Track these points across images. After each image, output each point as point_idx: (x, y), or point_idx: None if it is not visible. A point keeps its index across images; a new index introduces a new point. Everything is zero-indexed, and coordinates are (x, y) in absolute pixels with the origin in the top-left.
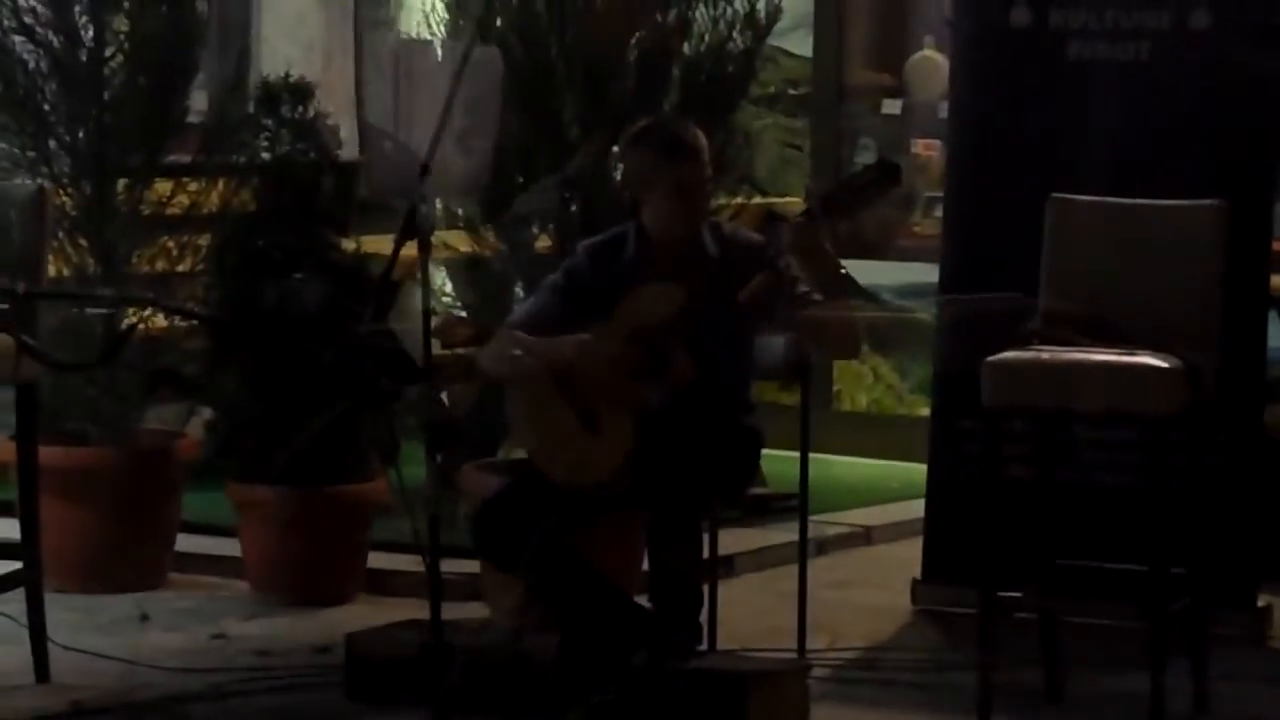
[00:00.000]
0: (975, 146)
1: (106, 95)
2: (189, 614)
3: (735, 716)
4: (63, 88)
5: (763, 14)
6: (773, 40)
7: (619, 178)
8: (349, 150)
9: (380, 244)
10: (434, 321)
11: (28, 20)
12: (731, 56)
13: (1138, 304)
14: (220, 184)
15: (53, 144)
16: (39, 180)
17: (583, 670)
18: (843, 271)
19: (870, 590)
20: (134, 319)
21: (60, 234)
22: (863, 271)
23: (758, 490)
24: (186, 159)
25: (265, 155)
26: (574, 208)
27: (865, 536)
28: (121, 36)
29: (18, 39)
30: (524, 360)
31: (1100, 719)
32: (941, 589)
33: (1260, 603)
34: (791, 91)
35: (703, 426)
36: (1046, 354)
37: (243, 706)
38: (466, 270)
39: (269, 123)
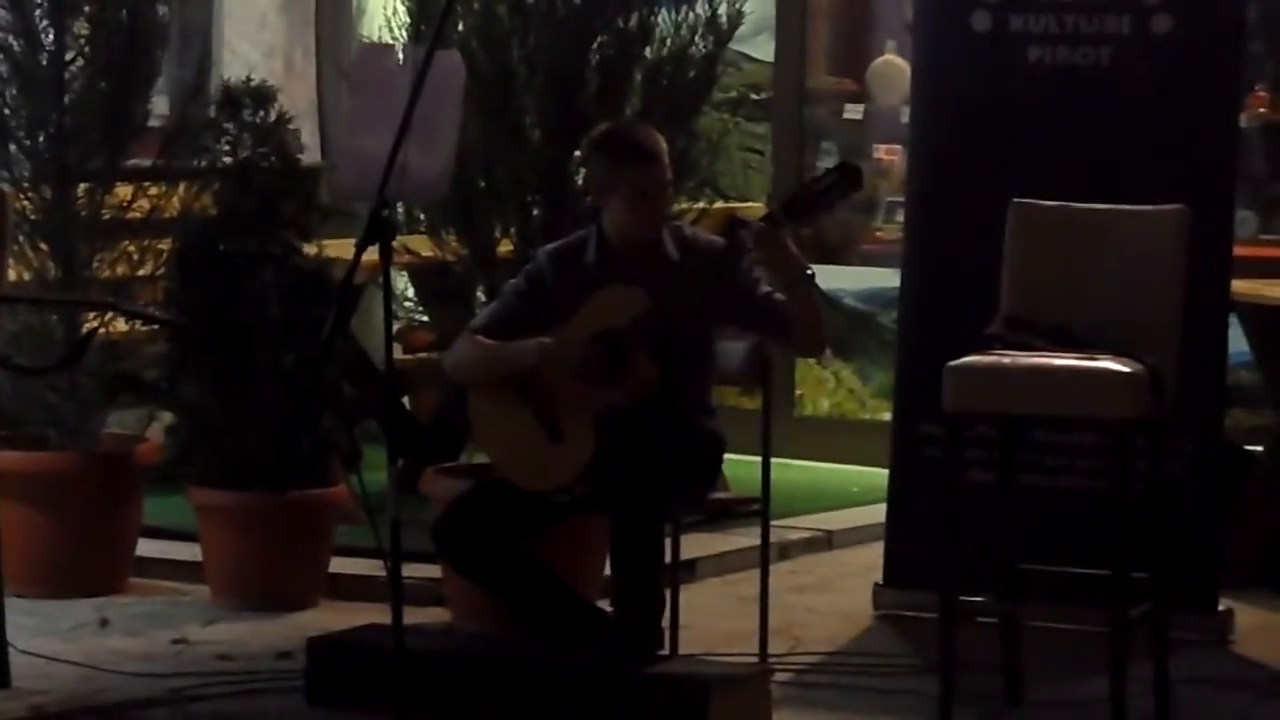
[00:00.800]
0: (937, 151)
1: (67, 99)
2: (149, 619)
3: None
4: (23, 91)
5: (724, 19)
6: (735, 45)
7: (580, 182)
8: (310, 154)
9: (342, 248)
10: (396, 326)
11: None
12: (693, 61)
13: (1099, 308)
14: (181, 188)
15: (13, 148)
16: None
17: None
18: (808, 271)
19: (832, 594)
20: (94, 323)
21: (20, 238)
22: (825, 276)
23: (719, 494)
24: (147, 163)
25: (226, 159)
26: (535, 212)
27: (827, 541)
28: (82, 40)
29: None
30: (485, 363)
31: None
32: (903, 593)
33: (1221, 606)
34: (753, 96)
35: (664, 430)
36: (1007, 358)
37: (203, 711)
38: (428, 275)
39: (230, 127)
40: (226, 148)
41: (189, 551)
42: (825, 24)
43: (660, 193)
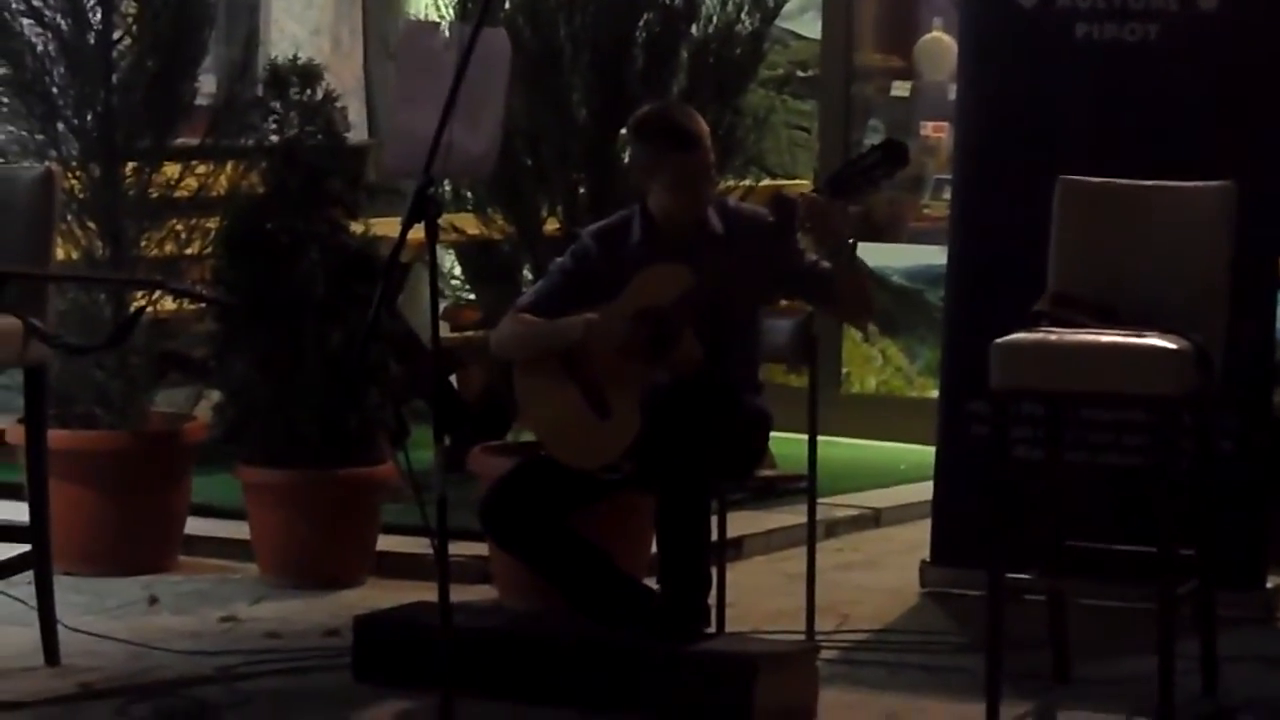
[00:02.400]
0: (984, 128)
1: (115, 78)
2: (198, 597)
3: (743, 698)
4: (71, 71)
5: None
6: (781, 22)
7: (625, 160)
8: (357, 133)
9: (389, 226)
10: (442, 304)
11: (36, 3)
12: (740, 39)
13: (1146, 285)
14: (229, 167)
15: (61, 127)
16: (47, 163)
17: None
18: (850, 241)
19: (879, 572)
20: (142, 302)
21: (68, 217)
22: (873, 254)
23: (766, 472)
24: (195, 142)
25: (273, 138)
26: (581, 190)
27: (874, 518)
28: (130, 19)
29: (26, 22)
30: (532, 340)
31: (1109, 700)
32: (950, 571)
33: (1269, 583)
34: (800, 74)
35: (710, 407)
36: (1054, 336)
37: (252, 689)
38: (475, 253)
39: (277, 105)
40: (273, 126)
41: (237, 529)
42: (872, 1)
43: (701, 176)
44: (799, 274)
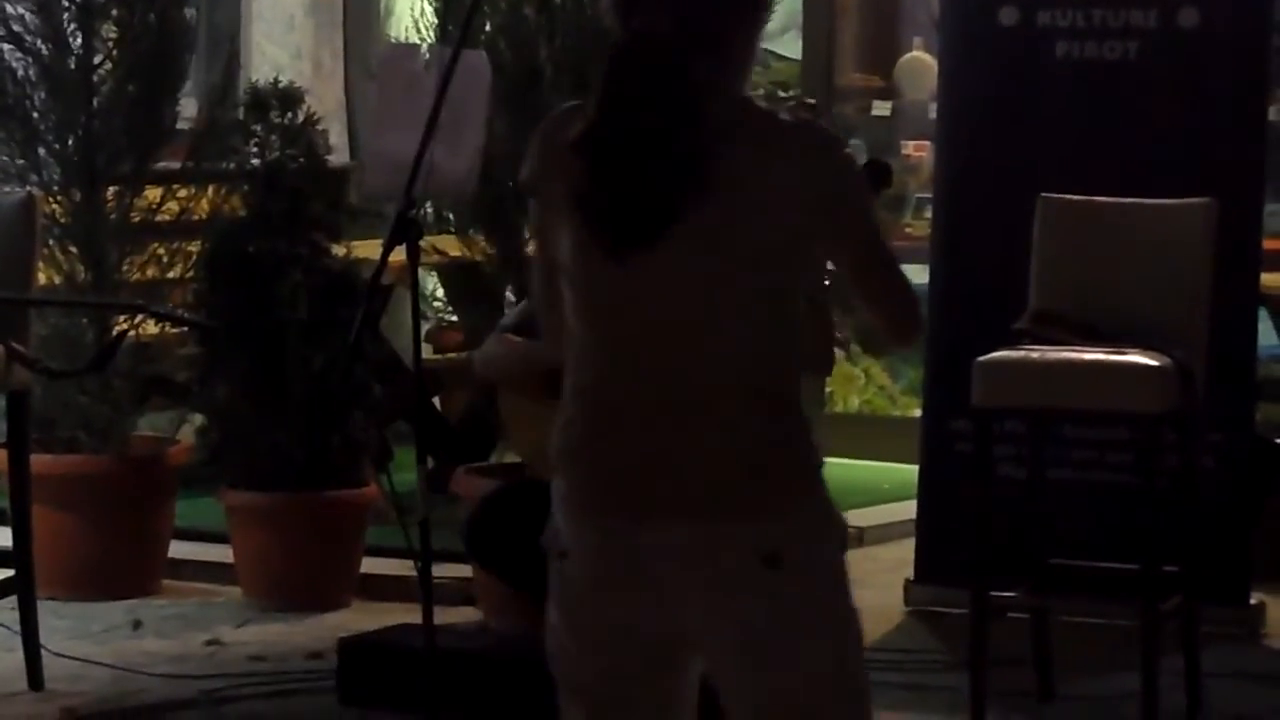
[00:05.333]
0: (964, 147)
1: (95, 103)
2: (182, 620)
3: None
4: (51, 95)
5: None
6: (762, 43)
7: None
8: (339, 155)
9: (371, 249)
10: (425, 326)
11: (16, 28)
12: None
13: (1127, 303)
14: (210, 190)
15: (42, 152)
16: (28, 188)
17: None
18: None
19: (863, 591)
20: (124, 326)
21: (50, 242)
22: None
23: None
24: (176, 165)
25: (255, 161)
26: None
27: (858, 537)
28: (110, 44)
29: (6, 47)
30: (516, 361)
31: (1093, 717)
32: (934, 589)
33: (1252, 600)
34: (781, 94)
35: None
36: (1036, 353)
37: (236, 712)
38: (458, 275)
39: (258, 129)
40: (255, 150)
41: (221, 553)
42: (853, 20)
43: None
44: None
